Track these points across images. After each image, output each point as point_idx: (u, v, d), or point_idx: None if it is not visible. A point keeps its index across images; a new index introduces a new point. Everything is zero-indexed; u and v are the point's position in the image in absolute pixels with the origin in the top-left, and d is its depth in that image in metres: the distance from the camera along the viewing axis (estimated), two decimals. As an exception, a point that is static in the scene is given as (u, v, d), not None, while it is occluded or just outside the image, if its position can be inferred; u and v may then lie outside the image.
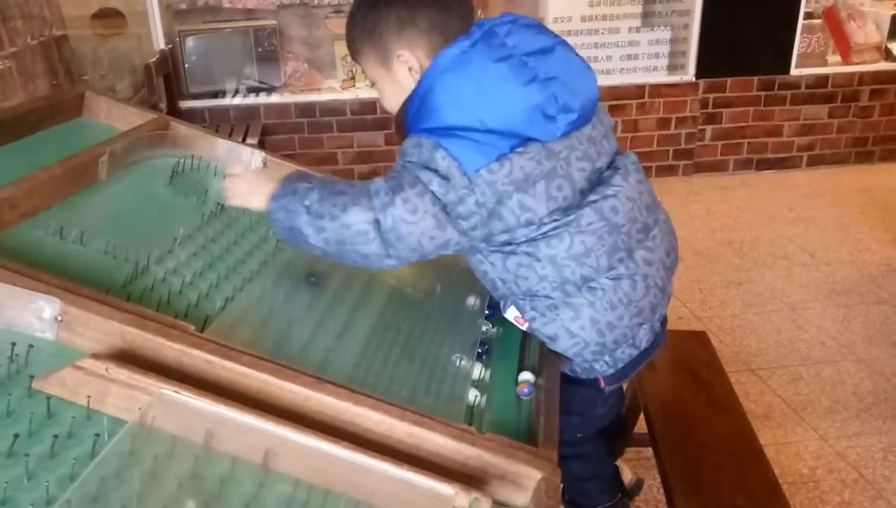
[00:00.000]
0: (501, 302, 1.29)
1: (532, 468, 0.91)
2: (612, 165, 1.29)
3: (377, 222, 1.12)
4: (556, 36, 1.24)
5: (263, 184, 1.21)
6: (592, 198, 1.22)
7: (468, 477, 0.89)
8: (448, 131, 1.14)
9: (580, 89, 1.20)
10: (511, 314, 1.27)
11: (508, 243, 1.21)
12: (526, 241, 1.20)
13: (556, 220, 1.19)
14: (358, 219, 1.12)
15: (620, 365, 1.32)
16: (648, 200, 1.30)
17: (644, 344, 1.33)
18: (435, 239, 1.14)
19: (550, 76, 1.17)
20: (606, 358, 1.30)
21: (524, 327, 1.26)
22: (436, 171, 1.12)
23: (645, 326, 1.31)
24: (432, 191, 1.12)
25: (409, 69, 1.23)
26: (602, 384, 1.35)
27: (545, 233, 1.19)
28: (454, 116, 1.14)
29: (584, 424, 1.46)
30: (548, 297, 1.22)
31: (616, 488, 1.63)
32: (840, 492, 2.09)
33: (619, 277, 1.23)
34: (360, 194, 1.14)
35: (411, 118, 1.20)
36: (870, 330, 2.92)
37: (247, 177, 1.27)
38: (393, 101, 1.28)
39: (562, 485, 0.95)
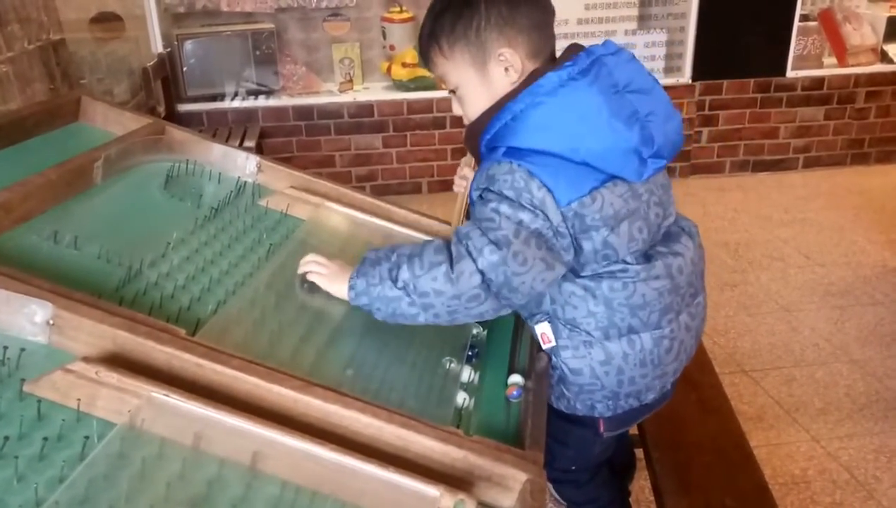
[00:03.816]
0: (531, 316, 1.26)
1: (518, 469, 0.92)
2: (676, 224, 1.29)
3: (487, 284, 1.10)
4: (651, 74, 1.22)
5: (343, 274, 1.19)
6: (662, 249, 1.22)
7: (455, 479, 0.90)
8: (537, 155, 1.11)
9: (669, 135, 1.19)
10: (541, 329, 1.24)
11: (573, 270, 1.19)
12: (591, 276, 1.18)
13: (629, 264, 1.18)
14: (467, 286, 1.10)
15: (620, 411, 1.31)
16: (701, 268, 1.31)
17: (648, 400, 1.32)
18: (546, 279, 1.14)
19: (649, 119, 1.14)
20: (610, 402, 1.29)
21: (546, 346, 1.25)
22: (532, 206, 1.10)
23: (658, 387, 1.31)
24: (536, 231, 1.10)
25: (507, 69, 1.18)
26: (602, 428, 1.33)
27: (613, 272, 1.17)
28: (549, 142, 1.11)
29: (579, 459, 1.45)
30: (588, 334, 1.20)
31: None
32: (831, 493, 2.10)
33: (661, 338, 1.22)
34: (461, 257, 1.10)
35: (497, 131, 1.16)
36: (863, 332, 2.93)
37: (330, 268, 1.22)
38: (478, 107, 1.21)
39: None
